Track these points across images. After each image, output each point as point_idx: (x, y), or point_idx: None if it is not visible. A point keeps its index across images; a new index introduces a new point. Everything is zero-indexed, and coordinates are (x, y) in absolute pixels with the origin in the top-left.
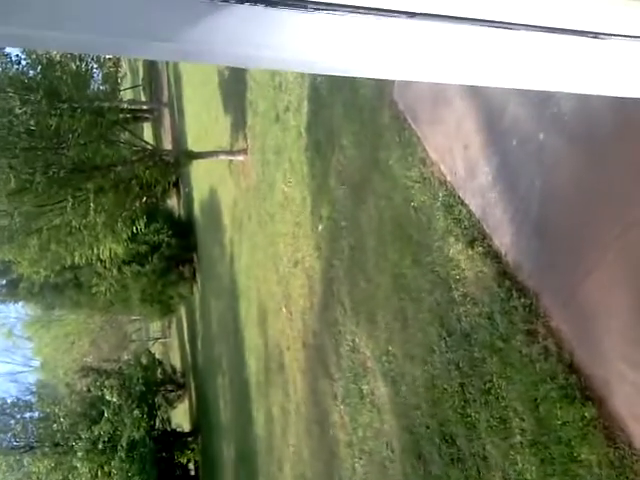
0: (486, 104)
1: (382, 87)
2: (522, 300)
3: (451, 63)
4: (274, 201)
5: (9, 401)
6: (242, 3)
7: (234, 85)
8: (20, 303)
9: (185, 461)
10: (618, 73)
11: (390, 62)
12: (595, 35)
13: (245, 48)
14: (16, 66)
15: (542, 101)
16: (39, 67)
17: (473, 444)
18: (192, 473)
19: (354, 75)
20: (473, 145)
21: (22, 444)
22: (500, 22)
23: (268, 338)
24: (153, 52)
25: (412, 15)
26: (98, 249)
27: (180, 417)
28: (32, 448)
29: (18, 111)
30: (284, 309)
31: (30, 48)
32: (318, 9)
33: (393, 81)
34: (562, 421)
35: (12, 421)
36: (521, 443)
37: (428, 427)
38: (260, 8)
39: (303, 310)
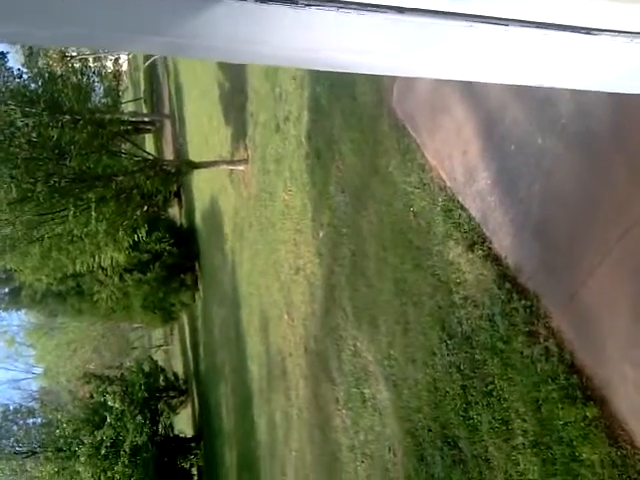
0: (484, 110)
1: (381, 95)
2: (523, 302)
3: (442, 59)
4: (275, 209)
5: (12, 407)
6: None
7: (234, 96)
8: (22, 311)
9: (188, 466)
10: (610, 69)
11: (381, 57)
12: (587, 31)
13: (236, 43)
14: (18, 79)
15: (540, 105)
16: (40, 80)
17: (475, 446)
18: (195, 479)
19: (345, 71)
20: (472, 150)
21: (25, 449)
22: (491, 17)
23: (270, 344)
24: (143, 46)
25: (401, 10)
26: (100, 257)
27: (183, 423)
28: (35, 453)
29: (20, 123)
30: (286, 316)
31: (22, 43)
32: (309, 5)
33: (392, 89)
34: (564, 421)
35: (15, 427)
36: (523, 444)
37: (430, 430)
38: (250, 4)
39: (305, 316)
